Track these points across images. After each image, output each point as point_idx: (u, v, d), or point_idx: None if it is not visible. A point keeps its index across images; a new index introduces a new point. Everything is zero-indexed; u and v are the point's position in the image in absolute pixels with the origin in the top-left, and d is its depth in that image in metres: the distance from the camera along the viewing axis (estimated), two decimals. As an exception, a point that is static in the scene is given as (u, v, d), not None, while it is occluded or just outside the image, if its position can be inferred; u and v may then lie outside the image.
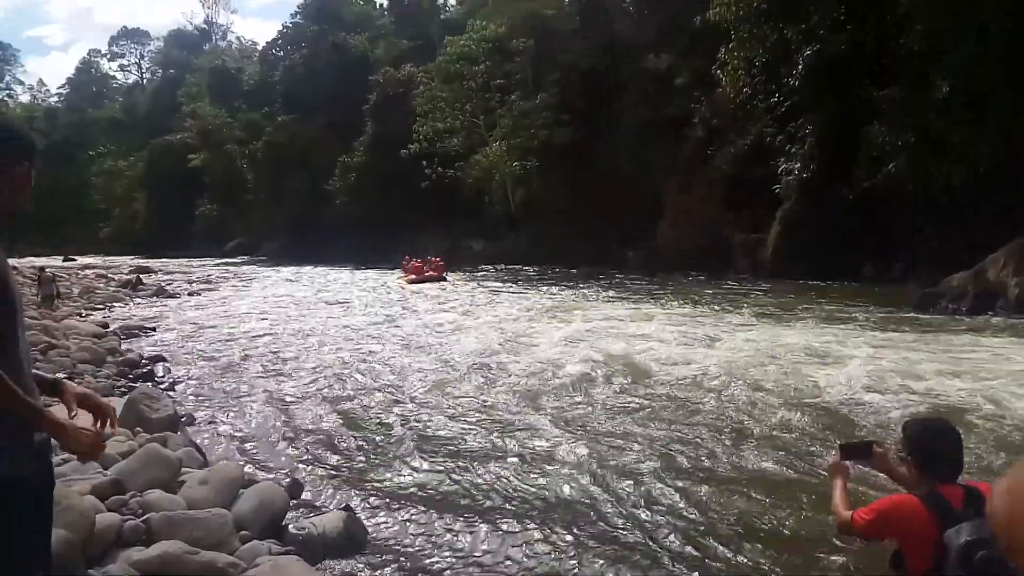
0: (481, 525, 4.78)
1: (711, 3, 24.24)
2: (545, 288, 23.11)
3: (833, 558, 4.10)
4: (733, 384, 8.41)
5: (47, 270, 18.70)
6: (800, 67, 22.36)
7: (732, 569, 4.09)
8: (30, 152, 2.19)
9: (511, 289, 23.64)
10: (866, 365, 9.02)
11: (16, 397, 1.97)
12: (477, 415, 7.64)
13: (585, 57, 34.93)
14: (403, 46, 53.90)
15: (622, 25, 34.85)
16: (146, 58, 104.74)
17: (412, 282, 26.48)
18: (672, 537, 4.50)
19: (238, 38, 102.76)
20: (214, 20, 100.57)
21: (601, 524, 4.68)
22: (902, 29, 19.45)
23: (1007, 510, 0.92)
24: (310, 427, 7.42)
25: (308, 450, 6.64)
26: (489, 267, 33.80)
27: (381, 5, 66.54)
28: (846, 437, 5.07)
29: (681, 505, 4.98)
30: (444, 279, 27.26)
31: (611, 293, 20.81)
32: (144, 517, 4.27)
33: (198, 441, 6.63)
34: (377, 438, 6.96)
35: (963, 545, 2.03)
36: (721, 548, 4.32)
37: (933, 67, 18.66)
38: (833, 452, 2.75)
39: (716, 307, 16.22)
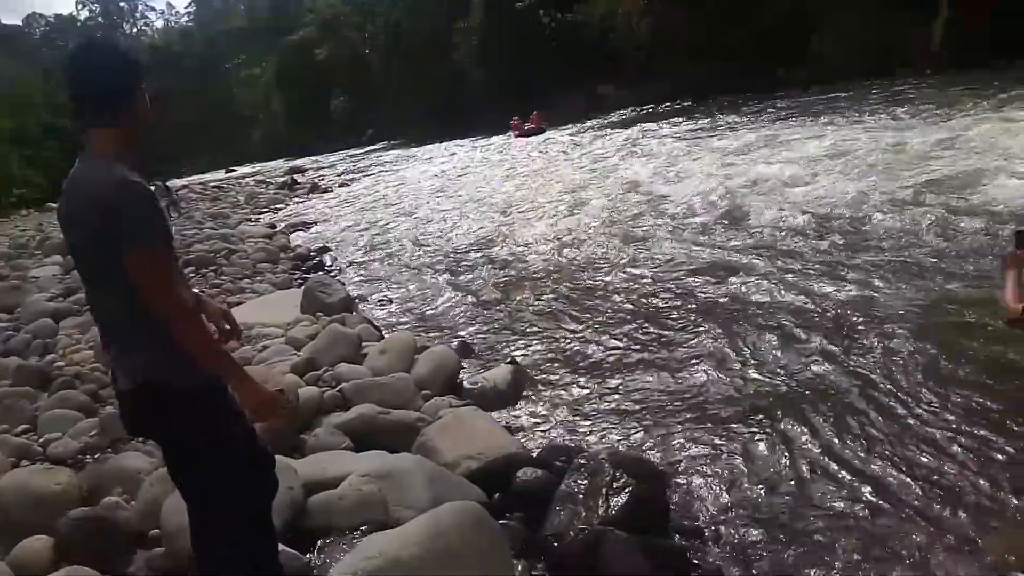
0: (639, 369, 4.97)
1: None
2: (668, 125, 22.05)
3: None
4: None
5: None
6: None
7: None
8: (144, 71, 2.22)
9: (616, 133, 22.96)
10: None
11: (225, 357, 2.16)
12: (636, 267, 7.62)
13: None
14: None
15: None
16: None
17: (520, 136, 30.61)
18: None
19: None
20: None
21: (773, 366, 4.58)
22: None
23: None
24: (471, 292, 7.85)
25: (472, 314, 7.07)
26: (625, 112, 32.51)
27: None
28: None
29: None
30: (543, 131, 30.81)
31: (745, 120, 19.51)
32: (338, 387, 4.81)
33: (372, 317, 7.23)
34: (533, 296, 7.25)
35: None
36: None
37: None
38: (1007, 245, 2.49)
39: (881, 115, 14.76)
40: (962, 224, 6.45)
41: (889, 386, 3.98)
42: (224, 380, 2.15)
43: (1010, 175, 7.56)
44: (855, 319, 4.93)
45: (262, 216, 19.93)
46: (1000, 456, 3.19)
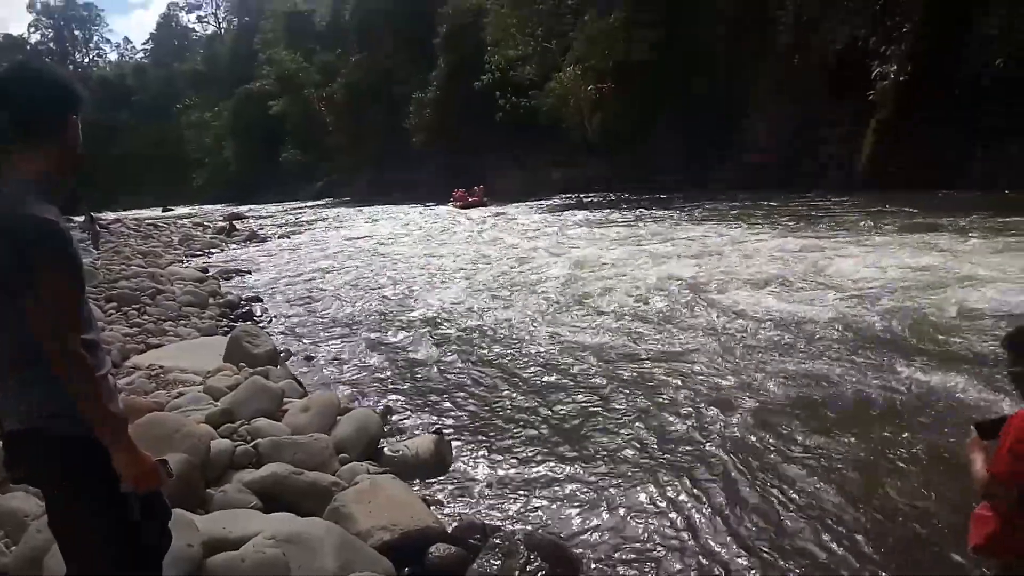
0: (563, 447, 4.96)
1: None
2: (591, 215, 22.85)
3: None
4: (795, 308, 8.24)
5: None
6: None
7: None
8: (79, 102, 2.15)
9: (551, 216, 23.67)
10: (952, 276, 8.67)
11: (112, 420, 2.00)
12: (560, 338, 7.81)
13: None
14: (472, -27, 52.67)
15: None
16: (222, 7, 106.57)
17: (461, 208, 31.83)
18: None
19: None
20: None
21: (710, 473, 4.52)
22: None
23: None
24: (400, 355, 7.77)
25: (399, 377, 6.97)
26: (568, 196, 33.52)
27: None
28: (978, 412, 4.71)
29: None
30: (485, 204, 32.56)
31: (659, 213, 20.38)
32: (253, 443, 4.63)
33: (297, 373, 7.06)
34: (467, 365, 7.22)
35: None
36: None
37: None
38: (968, 432, 2.55)
39: (802, 225, 15.66)
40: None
41: (807, 476, 4.09)
42: (104, 441, 1.99)
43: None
44: (772, 406, 5.12)
45: (195, 259, 19.46)
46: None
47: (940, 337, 6.55)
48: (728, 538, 3.64)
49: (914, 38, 20.99)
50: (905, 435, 4.54)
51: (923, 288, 8.32)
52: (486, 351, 7.68)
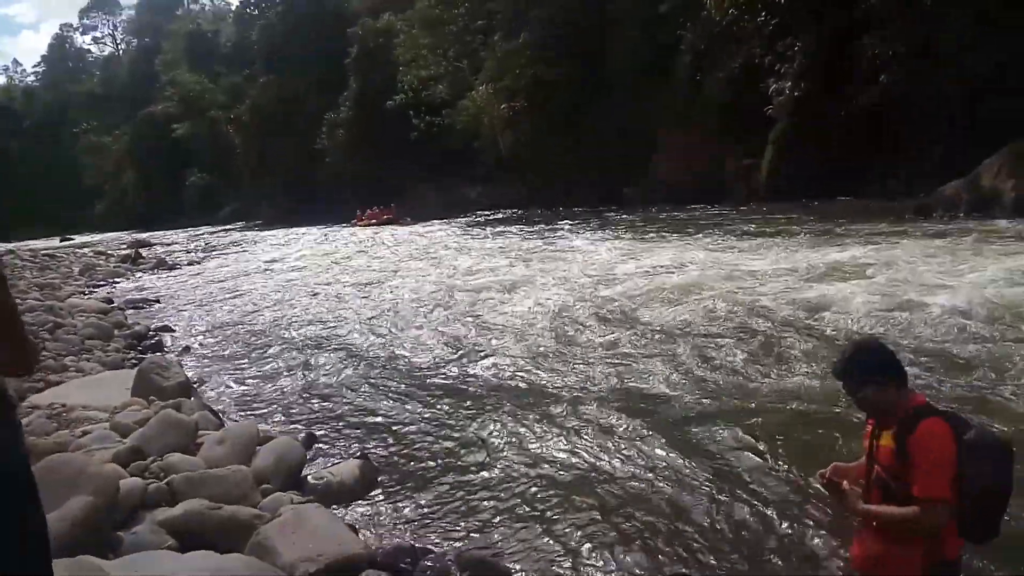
0: (488, 463, 4.94)
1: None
2: (509, 229, 23.16)
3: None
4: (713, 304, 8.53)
5: None
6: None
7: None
8: None
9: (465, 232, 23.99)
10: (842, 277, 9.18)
11: None
12: (482, 356, 7.80)
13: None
14: (380, -6, 52.47)
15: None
16: (119, 28, 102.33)
17: (377, 226, 32.67)
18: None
19: (211, 0, 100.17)
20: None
21: (614, 472, 4.66)
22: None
23: None
24: (319, 380, 7.60)
25: (319, 403, 6.82)
26: (486, 213, 33.69)
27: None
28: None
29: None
30: (401, 223, 33.31)
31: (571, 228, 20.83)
32: (166, 479, 4.41)
33: (212, 404, 6.78)
34: (383, 384, 7.13)
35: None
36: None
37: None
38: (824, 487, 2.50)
39: (703, 235, 16.19)
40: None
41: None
42: None
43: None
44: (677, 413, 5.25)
45: (98, 289, 18.50)
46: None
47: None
48: (657, 544, 3.69)
49: (806, 56, 22.15)
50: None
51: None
52: (404, 372, 7.61)
